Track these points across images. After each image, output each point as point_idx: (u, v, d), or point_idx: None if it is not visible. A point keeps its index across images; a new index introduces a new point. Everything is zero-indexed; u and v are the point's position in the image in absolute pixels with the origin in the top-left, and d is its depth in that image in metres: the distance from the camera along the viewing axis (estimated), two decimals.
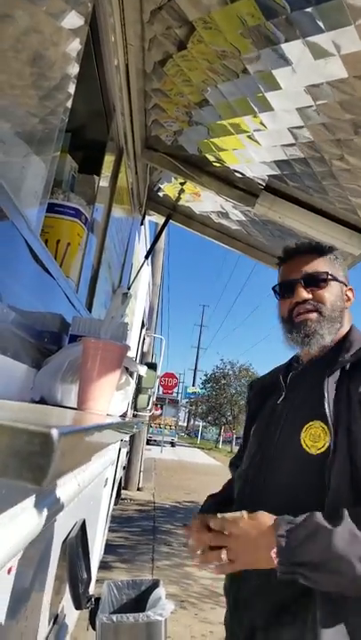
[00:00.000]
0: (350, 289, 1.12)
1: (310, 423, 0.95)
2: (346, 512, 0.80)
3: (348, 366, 0.96)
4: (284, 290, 1.09)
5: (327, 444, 0.90)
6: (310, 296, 1.06)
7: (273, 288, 1.13)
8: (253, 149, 1.98)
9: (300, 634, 0.84)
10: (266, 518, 0.84)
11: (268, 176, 2.16)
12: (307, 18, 1.22)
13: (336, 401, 0.93)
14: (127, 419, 1.60)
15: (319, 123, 1.64)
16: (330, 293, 1.06)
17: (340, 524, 0.78)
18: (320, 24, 1.22)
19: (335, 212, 2.23)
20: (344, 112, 1.54)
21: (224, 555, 0.83)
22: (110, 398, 0.88)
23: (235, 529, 0.84)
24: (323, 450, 0.91)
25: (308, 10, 1.19)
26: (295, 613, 0.86)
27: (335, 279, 1.08)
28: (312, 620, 0.82)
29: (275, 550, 0.79)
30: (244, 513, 0.85)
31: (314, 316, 1.04)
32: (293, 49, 1.35)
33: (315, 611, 0.82)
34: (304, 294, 1.05)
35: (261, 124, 1.78)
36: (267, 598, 0.91)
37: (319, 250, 1.11)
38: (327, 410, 0.92)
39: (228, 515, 0.86)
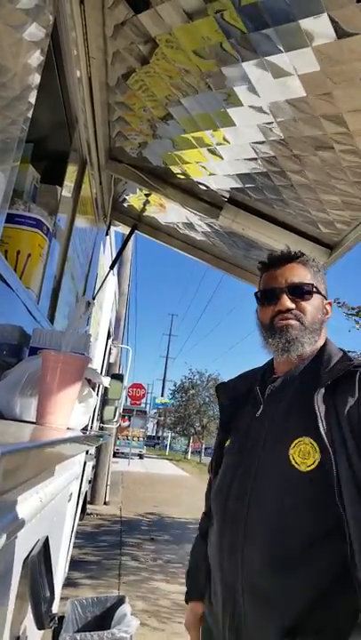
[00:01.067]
0: (329, 303, 1.13)
1: (300, 439, 0.92)
2: None
3: (330, 381, 0.95)
4: (268, 297, 1.07)
5: (317, 461, 0.89)
6: (293, 306, 1.04)
7: (255, 294, 1.11)
8: (217, 163, 2.02)
9: None
10: None
11: (232, 189, 2.21)
12: (265, 39, 1.27)
13: (327, 417, 0.91)
14: (91, 432, 1.58)
15: (279, 138, 1.70)
16: (312, 306, 1.05)
17: None
18: (278, 45, 1.27)
19: (297, 224, 2.30)
20: (303, 129, 1.60)
21: None
22: (70, 412, 0.87)
23: None
24: (312, 467, 0.89)
25: (267, 31, 1.24)
26: None
27: (318, 292, 1.07)
28: None
29: None
30: None
31: (296, 323, 1.03)
32: (253, 68, 1.40)
33: None
34: (288, 304, 1.04)
35: (224, 138, 1.82)
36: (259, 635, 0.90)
37: (304, 261, 1.10)
38: (321, 427, 0.89)
39: None
